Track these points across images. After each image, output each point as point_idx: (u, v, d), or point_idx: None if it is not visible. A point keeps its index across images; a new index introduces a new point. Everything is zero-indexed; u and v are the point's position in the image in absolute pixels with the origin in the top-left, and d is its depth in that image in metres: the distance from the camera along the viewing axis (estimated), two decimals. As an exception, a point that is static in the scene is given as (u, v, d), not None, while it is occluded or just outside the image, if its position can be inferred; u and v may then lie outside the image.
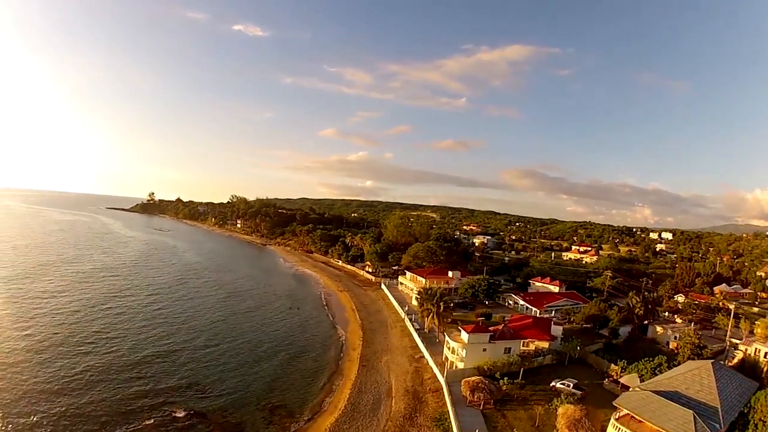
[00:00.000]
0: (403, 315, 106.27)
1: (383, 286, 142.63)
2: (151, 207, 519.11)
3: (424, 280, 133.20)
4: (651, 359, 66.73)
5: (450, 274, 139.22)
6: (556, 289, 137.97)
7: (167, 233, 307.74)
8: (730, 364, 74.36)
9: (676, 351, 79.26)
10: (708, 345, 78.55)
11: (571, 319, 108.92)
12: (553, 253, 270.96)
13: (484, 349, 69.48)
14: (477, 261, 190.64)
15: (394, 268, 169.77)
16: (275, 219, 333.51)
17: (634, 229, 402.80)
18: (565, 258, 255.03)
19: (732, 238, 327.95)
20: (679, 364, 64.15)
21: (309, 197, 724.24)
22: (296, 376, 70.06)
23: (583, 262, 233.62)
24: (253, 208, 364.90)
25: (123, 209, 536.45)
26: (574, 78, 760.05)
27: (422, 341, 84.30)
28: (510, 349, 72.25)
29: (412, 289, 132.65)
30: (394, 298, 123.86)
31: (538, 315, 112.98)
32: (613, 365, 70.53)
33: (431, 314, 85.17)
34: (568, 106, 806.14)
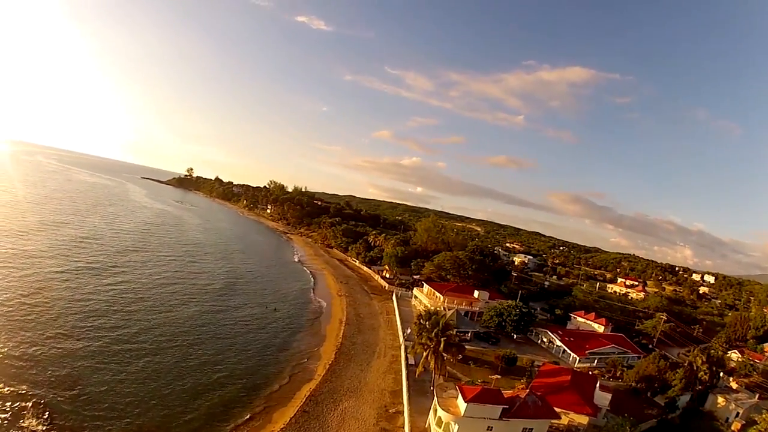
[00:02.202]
0: (401, 340, 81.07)
1: (394, 297, 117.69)
2: (187, 182, 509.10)
3: (441, 297, 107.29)
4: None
5: (476, 294, 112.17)
6: (601, 329, 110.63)
7: (188, 208, 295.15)
8: None
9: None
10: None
11: (617, 374, 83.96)
12: (597, 284, 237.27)
13: (490, 429, 43.06)
14: (513, 282, 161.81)
15: (414, 277, 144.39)
16: (307, 209, 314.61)
17: (677, 268, 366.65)
18: (609, 290, 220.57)
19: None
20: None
21: (357, 195, 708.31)
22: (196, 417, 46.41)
23: (630, 297, 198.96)
24: (287, 195, 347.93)
25: (158, 181, 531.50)
26: (631, 107, 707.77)
27: (409, 387, 58.86)
28: (531, 430, 45.40)
29: (426, 306, 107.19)
30: (400, 315, 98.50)
31: (577, 363, 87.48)
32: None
33: (428, 351, 59.19)
34: (622, 135, 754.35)
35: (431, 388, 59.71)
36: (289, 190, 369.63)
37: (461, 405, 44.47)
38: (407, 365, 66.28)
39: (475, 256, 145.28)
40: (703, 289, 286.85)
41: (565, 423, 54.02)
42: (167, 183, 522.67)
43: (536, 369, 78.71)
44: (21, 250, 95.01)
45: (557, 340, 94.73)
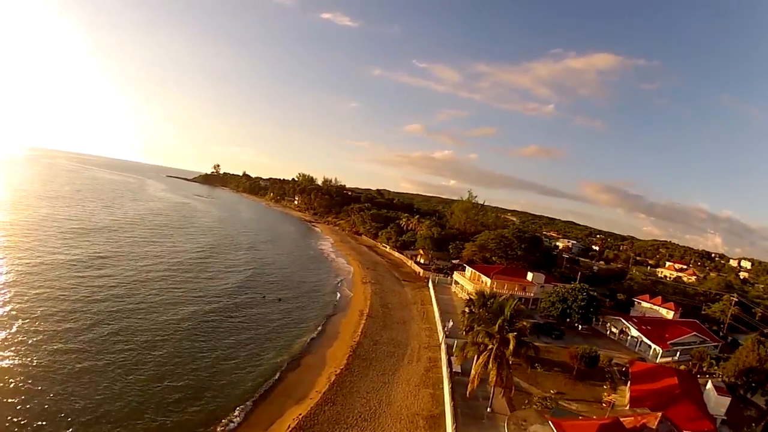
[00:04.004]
0: (441, 336, 60.61)
1: (430, 284, 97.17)
2: (213, 178, 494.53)
3: (488, 281, 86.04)
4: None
5: (529, 276, 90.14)
6: (670, 315, 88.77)
7: (207, 200, 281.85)
8: None
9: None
10: None
11: (704, 369, 64.58)
12: (648, 267, 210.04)
13: None
14: (564, 266, 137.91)
15: (453, 261, 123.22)
16: (336, 198, 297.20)
17: (713, 255, 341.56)
18: (660, 274, 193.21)
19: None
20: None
21: (390, 189, 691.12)
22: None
23: (685, 281, 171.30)
24: (315, 186, 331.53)
25: (183, 178, 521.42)
26: (659, 93, 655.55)
27: (455, 410, 38.33)
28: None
29: (469, 293, 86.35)
30: (439, 305, 77.73)
31: (659, 357, 67.32)
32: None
33: (486, 355, 38.23)
34: (651, 121, 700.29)
35: (488, 410, 39.10)
36: (319, 182, 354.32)
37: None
38: (451, 374, 45.66)
39: (523, 235, 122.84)
40: (743, 274, 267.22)
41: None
42: (193, 180, 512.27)
43: (615, 369, 58.14)
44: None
45: (632, 330, 72.80)
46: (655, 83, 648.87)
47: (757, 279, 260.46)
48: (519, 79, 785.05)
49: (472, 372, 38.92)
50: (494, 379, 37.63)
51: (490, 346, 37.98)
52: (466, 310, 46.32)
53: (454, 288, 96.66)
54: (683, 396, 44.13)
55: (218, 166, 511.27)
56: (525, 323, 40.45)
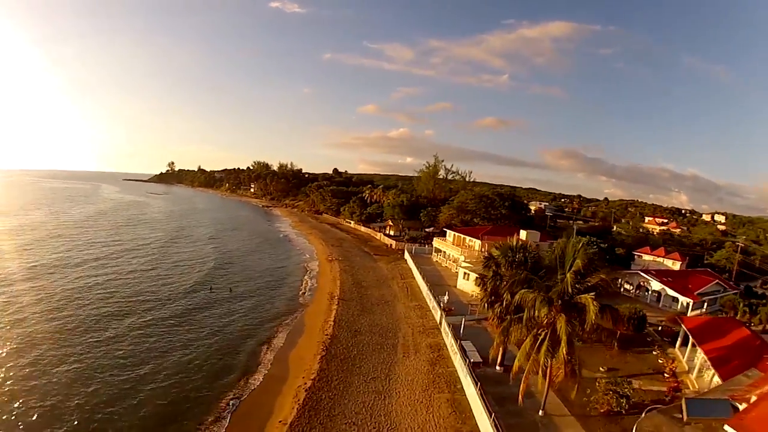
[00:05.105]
0: (438, 315, 47.03)
1: (407, 256, 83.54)
2: (168, 176, 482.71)
3: (478, 243, 73.14)
4: None
5: (523, 234, 77.52)
6: (677, 266, 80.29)
7: (162, 197, 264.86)
8: None
9: None
10: None
11: (737, 317, 53.82)
12: (629, 224, 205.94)
13: None
14: (548, 225, 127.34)
15: (427, 230, 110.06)
16: (293, 182, 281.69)
17: (683, 211, 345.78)
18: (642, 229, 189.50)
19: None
20: None
21: (348, 171, 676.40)
22: None
23: (673, 233, 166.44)
24: (270, 171, 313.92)
25: (139, 180, 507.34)
26: (617, 57, 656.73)
27: (494, 422, 24.55)
28: None
29: (456, 260, 73.32)
30: (424, 278, 63.90)
31: (690, 310, 56.99)
32: None
33: (545, 333, 24.53)
34: (611, 86, 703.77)
35: (540, 414, 25.81)
36: (275, 168, 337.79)
37: None
38: (472, 369, 31.78)
39: (503, 195, 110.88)
40: (720, 227, 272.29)
41: None
42: (149, 180, 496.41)
43: (651, 330, 46.60)
44: None
45: (653, 283, 61.86)
46: (612, 48, 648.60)
47: (736, 231, 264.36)
48: (472, 52, 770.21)
49: (516, 362, 25.22)
50: (548, 368, 24.22)
51: (543, 327, 24.35)
52: (492, 266, 32.51)
53: (435, 257, 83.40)
54: (766, 346, 33.34)
55: (173, 163, 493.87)
56: (603, 276, 26.90)
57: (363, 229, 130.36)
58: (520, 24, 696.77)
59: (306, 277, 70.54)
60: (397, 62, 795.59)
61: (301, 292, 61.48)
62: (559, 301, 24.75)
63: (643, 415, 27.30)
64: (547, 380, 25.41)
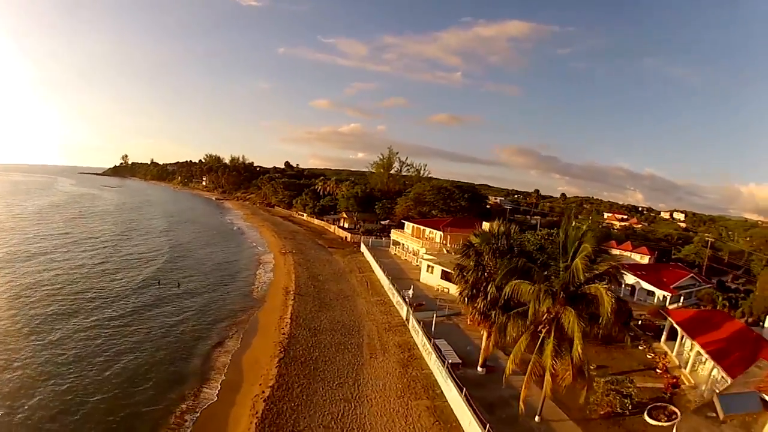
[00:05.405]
0: (404, 312, 43.48)
1: (364, 248, 79.58)
2: (122, 169, 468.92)
3: (438, 235, 70.54)
4: None
5: (485, 227, 75.57)
6: (645, 260, 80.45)
7: (114, 189, 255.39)
8: None
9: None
10: None
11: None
12: (589, 219, 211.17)
13: None
14: (507, 218, 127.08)
15: (382, 222, 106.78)
16: (244, 174, 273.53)
17: (640, 208, 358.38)
18: (604, 224, 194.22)
19: (748, 224, 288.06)
20: None
21: (300, 166, 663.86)
22: None
23: (638, 229, 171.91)
24: (221, 164, 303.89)
25: (94, 173, 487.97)
26: (574, 57, 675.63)
27: (489, 438, 21.17)
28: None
29: (416, 253, 70.22)
30: (384, 271, 60.19)
31: (667, 303, 56.86)
32: None
33: (545, 329, 21.33)
34: (568, 86, 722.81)
35: (537, 419, 22.76)
36: (226, 161, 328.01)
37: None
38: (452, 372, 28.23)
39: (463, 186, 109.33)
40: (681, 225, 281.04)
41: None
42: (103, 174, 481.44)
43: (632, 324, 45.17)
44: None
45: (630, 276, 60.93)
46: (570, 47, 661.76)
47: (696, 228, 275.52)
48: (427, 49, 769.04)
49: (509, 364, 21.93)
50: (554, 371, 21.10)
51: (547, 316, 21.19)
52: (467, 263, 29.10)
53: (394, 250, 79.97)
54: (761, 338, 31.98)
55: (126, 156, 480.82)
56: (615, 263, 24.05)
57: (316, 221, 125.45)
58: (476, 22, 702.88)
59: (259, 270, 65.53)
60: (352, 58, 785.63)
61: (254, 287, 56.35)
62: (562, 293, 21.64)
63: (645, 414, 24.91)
64: (546, 385, 22.21)
